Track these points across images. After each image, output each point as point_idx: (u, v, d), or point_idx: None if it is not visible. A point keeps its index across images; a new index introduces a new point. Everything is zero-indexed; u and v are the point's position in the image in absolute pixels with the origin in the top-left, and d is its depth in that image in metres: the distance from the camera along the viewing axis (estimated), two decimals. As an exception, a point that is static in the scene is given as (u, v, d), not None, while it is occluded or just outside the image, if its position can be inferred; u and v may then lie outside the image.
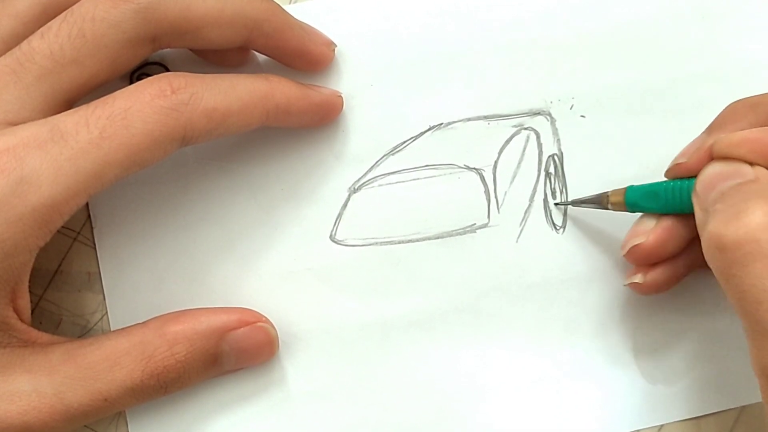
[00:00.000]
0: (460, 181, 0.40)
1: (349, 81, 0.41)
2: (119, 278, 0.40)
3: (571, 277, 0.40)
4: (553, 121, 0.41)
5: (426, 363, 0.40)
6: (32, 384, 0.33)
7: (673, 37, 0.41)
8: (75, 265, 0.40)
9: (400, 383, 0.40)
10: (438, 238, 0.40)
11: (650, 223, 0.37)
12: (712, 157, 0.34)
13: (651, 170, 0.40)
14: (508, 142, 0.41)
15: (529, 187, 0.41)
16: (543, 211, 0.40)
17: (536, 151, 0.41)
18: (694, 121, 0.40)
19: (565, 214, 0.40)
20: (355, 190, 0.40)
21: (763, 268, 0.30)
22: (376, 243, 0.40)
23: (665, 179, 0.37)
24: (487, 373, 0.40)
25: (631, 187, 0.37)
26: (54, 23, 0.34)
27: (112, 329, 0.39)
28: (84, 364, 0.34)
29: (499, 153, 0.41)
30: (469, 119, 0.41)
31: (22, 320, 0.35)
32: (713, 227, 0.31)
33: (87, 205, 0.40)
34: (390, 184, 0.40)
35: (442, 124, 0.41)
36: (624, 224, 0.39)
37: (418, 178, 0.40)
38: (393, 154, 0.41)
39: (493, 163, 0.41)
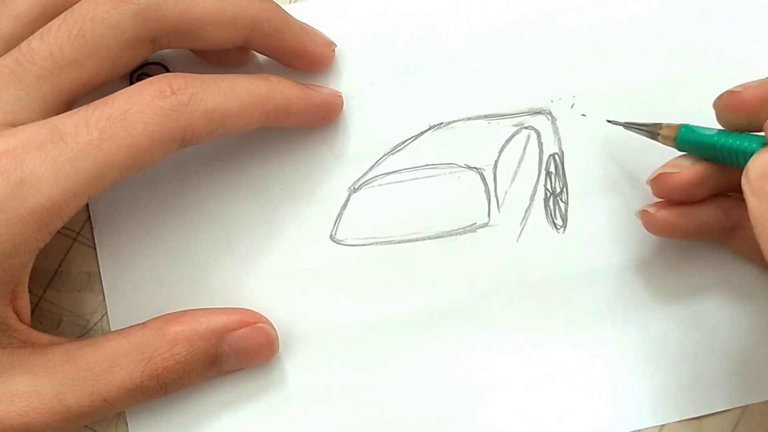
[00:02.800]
0: (461, 181, 0.40)
1: (349, 81, 0.41)
2: (119, 278, 0.40)
3: (572, 276, 0.40)
4: (553, 120, 0.41)
5: (426, 363, 0.40)
6: (32, 385, 0.34)
7: (674, 35, 0.41)
8: (75, 266, 0.40)
9: (400, 383, 0.40)
10: (438, 237, 0.40)
11: (687, 161, 0.36)
12: (765, 129, 0.33)
13: (652, 169, 0.40)
14: (508, 141, 0.41)
15: (530, 187, 0.41)
16: (543, 211, 0.40)
17: (537, 150, 0.41)
18: (696, 121, 0.40)
19: (565, 213, 0.40)
20: (355, 190, 0.40)
21: None
22: (376, 243, 0.40)
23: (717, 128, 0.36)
24: (487, 373, 0.40)
25: (685, 126, 0.37)
26: (54, 24, 0.34)
27: (112, 329, 0.39)
28: (84, 365, 0.34)
29: (500, 152, 0.41)
30: (469, 118, 0.41)
31: (21, 321, 0.35)
32: (761, 156, 0.31)
33: (87, 205, 0.40)
34: (390, 183, 0.40)
35: (442, 123, 0.41)
36: (625, 222, 0.39)
37: (418, 178, 0.40)
38: (393, 154, 0.41)
39: (493, 163, 0.41)
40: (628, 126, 0.39)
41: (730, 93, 0.35)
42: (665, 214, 0.37)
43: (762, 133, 0.34)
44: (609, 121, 0.40)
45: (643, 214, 0.38)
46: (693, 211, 0.37)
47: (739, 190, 0.33)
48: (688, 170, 0.36)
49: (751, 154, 0.33)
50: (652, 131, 0.38)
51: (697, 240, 0.40)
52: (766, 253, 0.31)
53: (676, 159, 0.37)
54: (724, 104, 0.36)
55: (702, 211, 0.37)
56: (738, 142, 0.35)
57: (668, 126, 0.37)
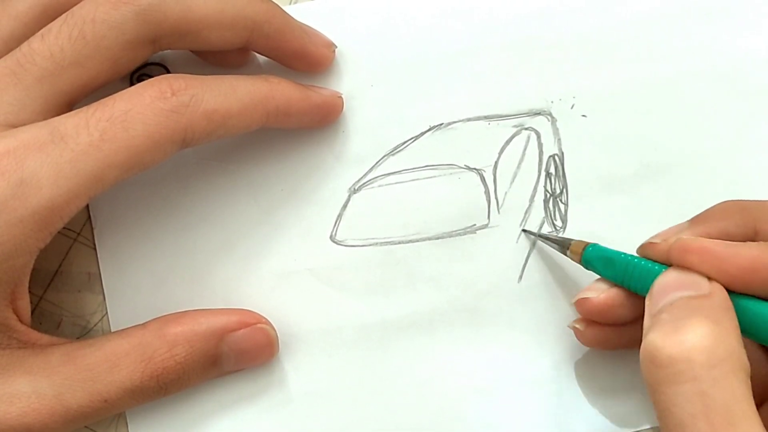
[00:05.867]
0: (461, 182, 0.40)
1: (349, 81, 0.41)
2: (119, 279, 0.40)
3: (571, 277, 0.40)
4: (553, 121, 0.41)
5: (426, 363, 0.40)
6: (32, 385, 0.34)
7: (675, 35, 0.41)
8: (75, 266, 0.40)
9: (400, 383, 0.40)
10: (438, 238, 0.40)
11: (605, 285, 0.36)
12: (669, 256, 0.33)
13: (652, 170, 0.40)
14: (508, 142, 0.41)
15: (530, 188, 0.41)
16: (543, 212, 0.40)
17: (537, 152, 0.41)
18: (696, 120, 0.41)
19: (565, 214, 0.40)
20: (355, 191, 0.40)
21: (691, 391, 0.29)
22: (376, 243, 0.40)
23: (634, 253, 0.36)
24: (487, 373, 0.40)
25: (593, 245, 0.37)
26: (54, 25, 0.34)
27: (112, 330, 0.39)
28: (84, 366, 0.34)
29: (500, 153, 0.41)
30: (469, 119, 0.41)
31: (22, 321, 0.35)
32: (651, 337, 0.30)
33: (87, 205, 0.40)
34: (390, 184, 0.40)
35: (442, 124, 0.41)
36: (625, 223, 0.39)
37: (418, 179, 0.40)
38: (393, 155, 0.41)
39: (493, 164, 0.41)
40: (542, 237, 0.39)
41: (649, 244, 0.35)
42: (594, 333, 0.37)
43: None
44: (524, 231, 0.40)
45: (574, 330, 0.38)
46: (622, 330, 0.37)
47: None
48: (605, 294, 0.36)
49: (653, 276, 0.33)
50: (561, 245, 0.38)
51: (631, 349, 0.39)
52: (641, 371, 0.31)
53: (596, 282, 0.37)
54: (644, 254, 0.35)
55: (632, 328, 0.36)
56: (645, 264, 0.35)
57: (577, 243, 0.37)
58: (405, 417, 0.39)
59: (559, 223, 0.40)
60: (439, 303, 0.40)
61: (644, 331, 0.32)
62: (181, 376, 0.36)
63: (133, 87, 0.34)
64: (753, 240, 0.34)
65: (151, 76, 0.35)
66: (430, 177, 0.40)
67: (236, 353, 0.37)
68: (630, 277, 0.35)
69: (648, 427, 0.39)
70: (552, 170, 0.41)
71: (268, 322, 0.38)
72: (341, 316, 0.40)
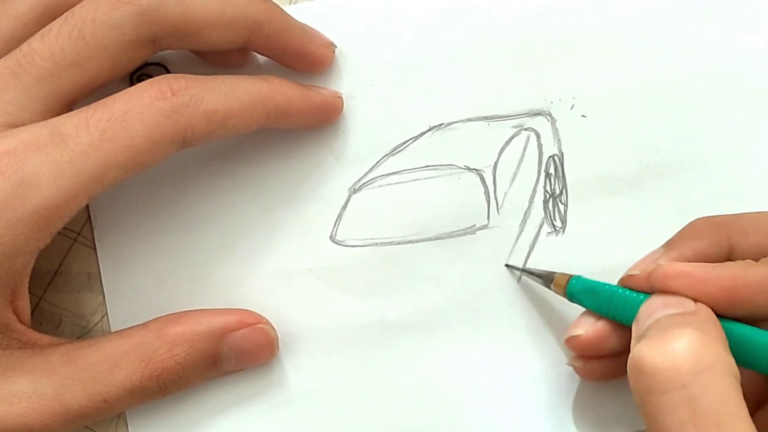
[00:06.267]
0: (460, 182, 0.40)
1: (349, 81, 0.41)
2: (119, 279, 0.40)
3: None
4: (553, 122, 0.41)
5: (426, 363, 0.40)
6: (32, 386, 0.34)
7: (674, 34, 0.41)
8: (75, 266, 0.40)
9: (400, 383, 0.40)
10: (438, 238, 0.40)
11: (592, 318, 0.36)
12: (652, 284, 0.33)
13: (652, 170, 0.40)
14: (508, 142, 0.41)
15: (529, 188, 0.41)
16: (543, 212, 0.40)
17: (536, 152, 0.41)
18: (696, 120, 0.40)
19: (564, 214, 0.40)
20: (355, 191, 0.40)
21: (678, 398, 0.29)
22: (376, 243, 0.40)
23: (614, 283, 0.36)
24: (487, 373, 0.40)
25: (576, 277, 0.37)
26: (54, 25, 0.34)
27: (112, 330, 0.39)
28: (84, 366, 0.34)
29: (499, 154, 0.41)
30: (469, 120, 0.41)
31: (21, 322, 0.35)
32: (637, 349, 0.30)
33: (87, 205, 0.40)
34: (390, 184, 0.40)
35: (442, 124, 0.41)
36: (625, 223, 0.39)
37: (418, 179, 0.40)
38: (393, 155, 0.41)
39: (493, 164, 0.41)
40: (527, 272, 0.39)
41: (628, 277, 0.35)
42: (592, 367, 0.37)
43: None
44: (507, 266, 0.40)
45: (574, 368, 0.38)
46: (617, 359, 0.36)
47: None
48: (593, 329, 0.36)
49: (638, 304, 0.33)
50: (545, 279, 0.38)
51: None
52: (629, 382, 0.31)
53: (582, 316, 0.37)
54: (626, 286, 0.35)
55: (620, 362, 0.36)
56: (629, 294, 0.35)
57: (560, 276, 0.37)
58: (405, 417, 0.39)
59: (558, 223, 0.40)
60: (439, 303, 0.40)
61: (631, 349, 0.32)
62: (181, 376, 0.36)
63: (133, 87, 0.34)
64: (729, 257, 0.34)
65: (151, 76, 0.35)
66: (430, 177, 0.40)
67: (236, 353, 0.37)
68: (615, 308, 0.35)
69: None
70: (552, 171, 0.41)
71: (268, 322, 0.38)
72: (341, 316, 0.40)
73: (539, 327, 0.40)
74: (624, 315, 0.34)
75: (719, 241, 0.34)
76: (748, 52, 0.41)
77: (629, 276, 0.35)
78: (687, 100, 0.41)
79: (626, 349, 0.34)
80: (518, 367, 0.40)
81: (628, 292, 0.35)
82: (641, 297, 0.34)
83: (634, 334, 0.33)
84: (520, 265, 0.40)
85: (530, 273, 0.39)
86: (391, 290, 0.40)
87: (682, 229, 0.36)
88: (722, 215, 0.36)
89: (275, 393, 0.39)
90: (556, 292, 0.38)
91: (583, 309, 0.37)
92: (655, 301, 0.33)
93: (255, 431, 0.39)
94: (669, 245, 0.35)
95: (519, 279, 0.40)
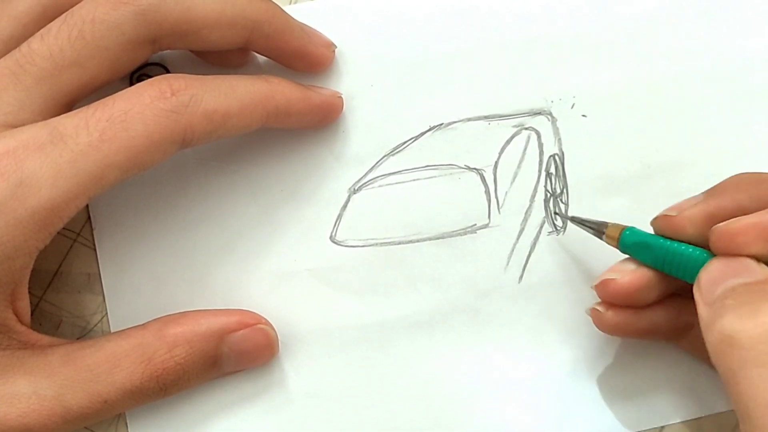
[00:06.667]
0: (461, 182, 0.40)
1: (349, 81, 0.41)
2: (119, 279, 0.40)
3: (572, 277, 0.40)
4: (553, 121, 0.41)
5: (426, 363, 0.40)
6: (32, 386, 0.34)
7: (675, 34, 0.41)
8: (75, 267, 0.40)
9: (400, 383, 0.40)
10: (438, 238, 0.40)
11: (632, 266, 0.36)
12: (712, 247, 0.33)
13: (652, 170, 0.40)
14: (508, 142, 0.41)
15: (530, 188, 0.41)
16: (543, 212, 0.40)
17: (537, 151, 0.41)
18: (696, 120, 0.40)
19: (565, 213, 0.40)
20: (355, 191, 0.40)
21: None
22: (376, 243, 0.40)
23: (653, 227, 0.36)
24: (487, 374, 0.40)
25: (630, 228, 0.36)
26: (54, 25, 0.34)
27: (111, 330, 0.39)
28: (83, 366, 0.34)
29: (500, 153, 0.41)
30: (469, 119, 0.41)
31: (21, 322, 0.35)
32: (727, 323, 0.30)
33: (87, 206, 0.40)
34: (390, 184, 0.40)
35: (442, 124, 0.41)
36: (625, 223, 0.39)
37: (418, 179, 0.40)
38: (393, 155, 0.41)
39: (493, 164, 0.41)
40: (575, 220, 0.39)
41: (664, 217, 0.35)
42: (614, 315, 0.36)
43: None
44: (556, 213, 0.40)
45: (593, 312, 0.37)
46: (642, 315, 0.36)
47: (688, 292, 0.33)
48: (630, 276, 0.35)
49: (697, 264, 0.33)
50: (597, 230, 0.37)
51: (648, 339, 0.39)
52: (713, 358, 0.31)
53: (620, 263, 0.36)
54: (660, 228, 0.35)
55: (653, 312, 0.36)
56: (685, 251, 0.34)
57: (613, 226, 0.37)
58: (405, 417, 0.39)
59: (559, 223, 0.40)
60: (440, 303, 0.40)
61: (706, 320, 0.31)
62: (181, 376, 0.36)
63: (132, 87, 0.34)
64: None
65: (150, 76, 0.35)
66: (431, 177, 0.40)
67: (236, 354, 0.37)
68: (669, 263, 0.34)
69: (647, 428, 0.39)
70: (552, 170, 0.41)
71: (267, 323, 0.38)
72: (341, 317, 0.40)
73: (539, 327, 0.40)
74: (678, 270, 0.34)
75: (759, 196, 0.34)
76: (748, 53, 0.41)
77: (665, 216, 0.35)
78: (687, 100, 0.41)
79: (654, 304, 0.36)
80: (518, 367, 0.40)
81: (683, 248, 0.34)
82: (698, 254, 0.34)
83: (701, 300, 0.32)
84: (521, 265, 0.40)
85: (581, 222, 0.38)
86: (391, 290, 0.40)
87: (724, 181, 0.35)
88: (765, 172, 0.35)
89: (275, 394, 0.39)
90: (608, 243, 0.37)
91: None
92: (717, 265, 0.33)
93: (255, 432, 0.39)
94: (709, 193, 0.35)
95: (521, 277, 0.40)
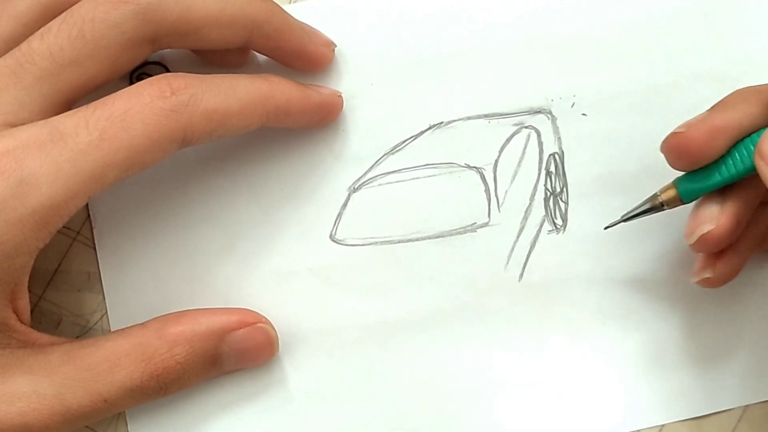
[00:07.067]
0: (461, 180, 0.40)
1: (349, 81, 0.41)
2: (119, 278, 0.40)
3: (572, 276, 0.40)
4: (553, 120, 0.41)
5: (426, 363, 0.40)
6: (32, 385, 0.33)
7: (675, 34, 0.41)
8: (75, 265, 0.40)
9: (401, 383, 0.40)
10: (438, 237, 0.40)
11: (714, 208, 0.35)
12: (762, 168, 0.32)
13: (652, 169, 0.40)
14: (508, 140, 0.41)
15: (530, 186, 0.41)
16: (544, 210, 0.40)
17: (537, 150, 0.41)
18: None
19: (565, 213, 0.40)
20: (355, 190, 0.40)
21: None
22: (376, 242, 0.40)
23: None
24: (488, 373, 0.40)
25: (676, 179, 0.36)
26: (54, 24, 0.34)
27: (111, 329, 0.39)
28: (84, 365, 0.34)
29: (500, 152, 0.41)
30: (469, 118, 0.41)
31: (21, 321, 0.35)
32: None
33: (87, 205, 0.40)
34: (390, 183, 0.40)
35: (442, 123, 0.41)
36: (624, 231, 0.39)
37: (418, 178, 0.40)
38: (393, 154, 0.41)
39: (493, 162, 0.41)
40: (628, 218, 0.38)
41: (673, 135, 0.35)
42: (723, 268, 0.36)
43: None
44: (606, 228, 0.39)
45: (704, 282, 0.36)
46: (741, 243, 0.36)
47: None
48: (722, 218, 0.34)
49: (754, 143, 0.33)
50: (653, 207, 0.37)
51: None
52: None
53: (701, 209, 0.35)
54: (671, 147, 0.35)
55: (749, 235, 0.36)
56: (740, 142, 0.34)
57: (663, 190, 0.36)
58: (405, 417, 0.39)
59: (559, 221, 0.40)
60: (440, 302, 0.40)
61: None
62: (181, 375, 0.36)
63: (132, 86, 0.34)
64: None
65: (150, 75, 0.35)
66: (430, 176, 0.40)
67: (236, 353, 0.37)
68: (733, 165, 0.34)
69: (647, 426, 0.39)
70: (552, 169, 0.41)
71: (268, 322, 0.38)
72: (341, 316, 0.40)
73: (539, 326, 0.40)
74: (745, 164, 0.34)
75: (763, 102, 0.34)
76: (747, 53, 0.41)
77: (674, 134, 0.34)
78: (687, 100, 0.41)
79: (753, 224, 0.36)
80: (518, 367, 0.40)
81: (737, 143, 0.34)
82: (755, 136, 0.33)
83: (759, 164, 0.32)
84: (521, 264, 0.40)
85: (632, 216, 0.37)
86: (391, 289, 0.40)
87: (727, 96, 0.35)
88: (764, 84, 0.35)
89: (275, 393, 0.39)
90: (670, 208, 0.36)
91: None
92: None
93: (255, 431, 0.39)
94: (715, 108, 0.35)
95: (521, 276, 0.40)
